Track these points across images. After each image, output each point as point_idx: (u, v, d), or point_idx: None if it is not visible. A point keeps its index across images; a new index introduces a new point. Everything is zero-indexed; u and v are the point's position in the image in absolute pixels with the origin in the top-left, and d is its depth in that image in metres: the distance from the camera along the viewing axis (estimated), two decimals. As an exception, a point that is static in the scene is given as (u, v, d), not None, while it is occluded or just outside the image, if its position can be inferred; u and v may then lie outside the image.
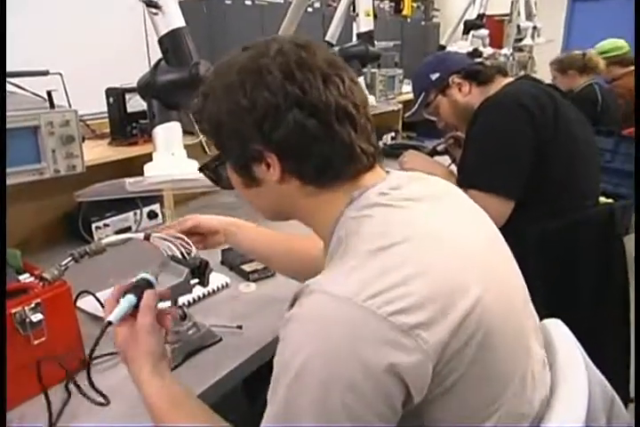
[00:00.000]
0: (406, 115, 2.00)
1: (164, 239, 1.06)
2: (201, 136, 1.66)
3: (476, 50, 3.68)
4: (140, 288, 0.93)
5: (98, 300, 1.27)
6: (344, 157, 0.79)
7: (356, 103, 0.79)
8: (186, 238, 1.09)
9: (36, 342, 1.03)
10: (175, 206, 2.02)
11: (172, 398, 0.84)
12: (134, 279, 0.94)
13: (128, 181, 0.98)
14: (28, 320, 1.01)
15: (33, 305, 1.02)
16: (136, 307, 0.90)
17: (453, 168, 1.90)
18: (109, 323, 0.87)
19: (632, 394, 1.36)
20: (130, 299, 0.91)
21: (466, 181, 1.55)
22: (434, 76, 1.81)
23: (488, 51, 3.96)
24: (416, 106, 1.88)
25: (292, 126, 0.75)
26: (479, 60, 1.88)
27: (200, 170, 0.93)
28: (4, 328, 0.95)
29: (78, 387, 1.08)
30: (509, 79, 1.76)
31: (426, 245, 0.74)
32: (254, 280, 1.53)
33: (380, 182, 0.82)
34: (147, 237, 1.04)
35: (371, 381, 0.65)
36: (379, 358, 0.65)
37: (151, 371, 0.86)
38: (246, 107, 0.76)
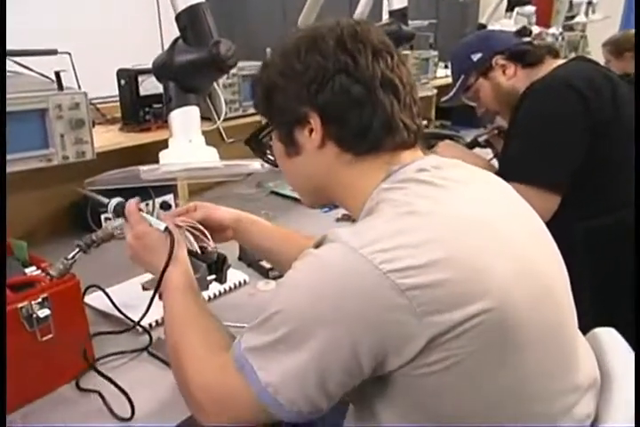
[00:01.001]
0: (442, 99, 1.99)
1: (179, 226, 1.09)
2: (218, 122, 1.68)
3: (524, 28, 3.60)
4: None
5: (108, 296, 1.30)
6: (384, 126, 0.87)
7: (402, 79, 0.88)
8: (205, 230, 1.10)
9: (43, 340, 1.06)
10: (190, 197, 2.05)
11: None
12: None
13: (142, 168, 1.00)
14: (34, 316, 1.04)
15: (40, 300, 1.04)
16: None
17: (495, 163, 1.88)
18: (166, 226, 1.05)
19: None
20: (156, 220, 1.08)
21: (507, 173, 1.48)
22: (475, 57, 1.79)
23: (534, 30, 3.90)
24: (454, 90, 1.87)
25: (337, 90, 0.85)
26: (527, 39, 1.84)
27: (246, 142, 1.03)
28: (3, 327, 0.97)
29: (80, 388, 1.10)
30: (560, 61, 1.73)
31: (459, 226, 0.77)
32: (274, 278, 1.54)
33: (418, 160, 0.89)
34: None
35: (343, 324, 0.71)
36: (362, 307, 0.71)
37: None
38: (299, 70, 0.87)
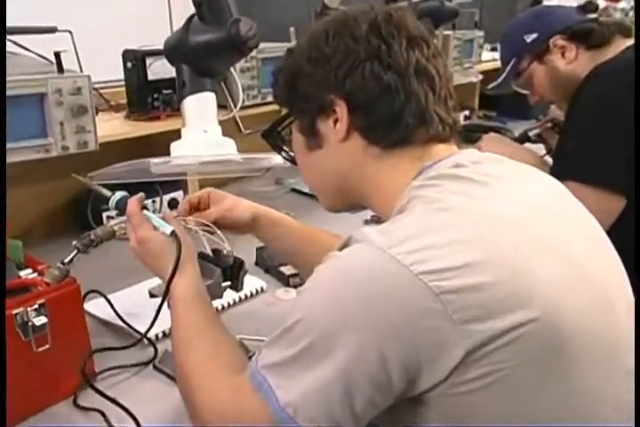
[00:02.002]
0: (489, 87, 1.97)
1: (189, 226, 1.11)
2: (235, 110, 1.69)
3: (589, 2, 3.52)
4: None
5: (110, 303, 1.31)
6: (416, 117, 0.88)
7: (438, 70, 0.90)
8: (219, 231, 1.12)
9: (39, 350, 1.07)
10: (201, 194, 2.06)
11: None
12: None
13: (153, 161, 1.01)
14: (30, 324, 1.05)
15: (36, 306, 1.06)
16: None
17: (549, 160, 1.85)
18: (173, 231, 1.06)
19: None
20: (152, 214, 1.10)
21: (561, 171, 1.46)
22: (530, 38, 1.76)
23: (600, 4, 3.82)
24: (503, 75, 1.85)
25: (367, 76, 0.87)
26: (592, 16, 1.77)
27: (263, 135, 1.04)
28: (3, 330, 0.99)
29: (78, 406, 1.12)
30: (631, 41, 1.67)
31: (498, 225, 0.78)
32: (295, 285, 1.55)
33: (454, 155, 0.90)
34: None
35: (370, 331, 0.72)
36: (391, 313, 0.71)
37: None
38: (327, 53, 0.89)
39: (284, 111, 1.01)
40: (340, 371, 0.74)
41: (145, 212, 1.10)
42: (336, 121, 0.90)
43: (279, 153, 1.07)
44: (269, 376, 0.79)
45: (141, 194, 1.13)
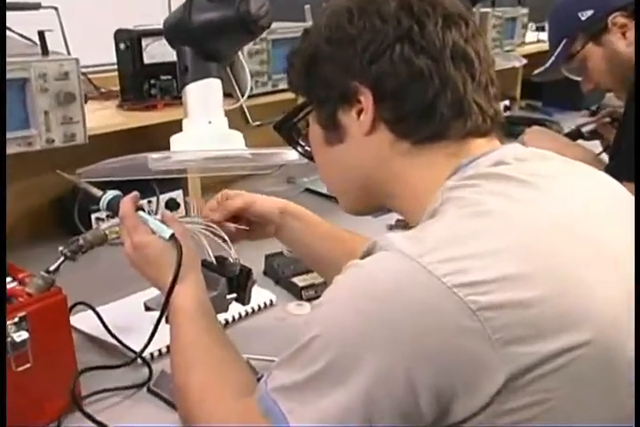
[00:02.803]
0: (535, 72, 1.96)
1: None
2: (242, 99, 1.70)
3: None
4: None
5: (99, 317, 1.32)
6: (452, 107, 0.87)
7: (478, 53, 0.89)
8: (225, 236, 1.12)
9: (18, 370, 1.07)
10: (203, 194, 2.07)
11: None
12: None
13: (152, 156, 1.01)
14: (9, 340, 1.05)
15: (16, 320, 1.06)
16: None
17: (605, 158, 1.84)
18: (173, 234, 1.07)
19: None
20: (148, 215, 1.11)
21: (619, 170, 1.39)
22: (584, 15, 1.75)
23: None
24: (552, 58, 1.84)
25: (396, 60, 0.86)
26: None
27: (276, 127, 1.04)
28: (3, 331, 1.00)
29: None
30: None
31: (546, 231, 0.78)
32: (309, 299, 1.55)
33: (495, 151, 0.89)
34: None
35: (397, 350, 0.71)
36: (420, 329, 0.71)
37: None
38: (351, 34, 0.88)
39: (300, 100, 1.00)
40: (360, 396, 0.73)
41: (140, 213, 1.11)
42: (360, 112, 0.90)
43: (294, 148, 1.07)
44: (280, 400, 0.79)
45: (135, 193, 1.13)
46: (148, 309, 1.18)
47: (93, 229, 1.19)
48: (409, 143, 0.90)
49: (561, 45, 1.81)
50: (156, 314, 1.08)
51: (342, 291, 0.78)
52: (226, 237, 1.15)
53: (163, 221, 1.10)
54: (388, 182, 0.94)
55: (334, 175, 1.01)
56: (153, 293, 1.17)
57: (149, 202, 1.95)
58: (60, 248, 1.16)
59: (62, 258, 1.15)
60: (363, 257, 0.80)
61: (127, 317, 1.36)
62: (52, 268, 1.14)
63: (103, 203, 1.16)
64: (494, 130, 0.93)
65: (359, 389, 0.73)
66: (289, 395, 0.78)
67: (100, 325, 1.33)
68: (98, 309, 1.34)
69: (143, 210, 1.13)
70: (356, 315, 0.74)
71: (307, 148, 1.05)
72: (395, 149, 0.90)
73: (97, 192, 1.17)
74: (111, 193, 1.15)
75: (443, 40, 0.86)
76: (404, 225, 1.94)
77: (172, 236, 1.06)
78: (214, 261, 1.15)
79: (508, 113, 3.28)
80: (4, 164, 1.18)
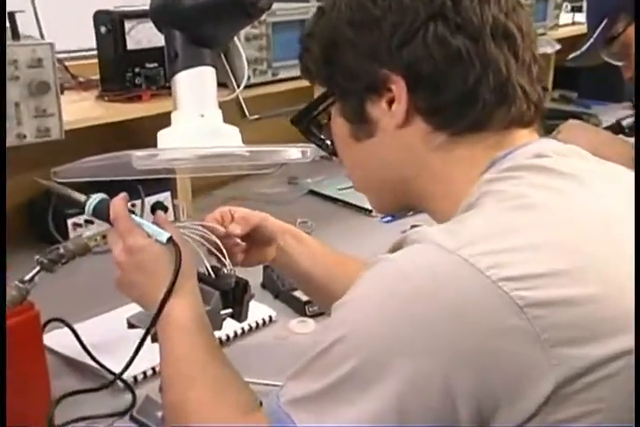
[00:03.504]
0: (570, 57, 1.95)
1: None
2: (238, 90, 1.70)
3: None
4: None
5: (76, 335, 1.32)
6: (496, 92, 0.87)
7: (520, 27, 0.89)
8: (220, 243, 1.11)
9: (-16, 396, 1.07)
10: (194, 197, 2.07)
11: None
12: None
13: (137, 154, 1.01)
14: (-27, 362, 1.05)
15: (-17, 338, 1.06)
16: None
17: None
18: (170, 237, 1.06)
19: None
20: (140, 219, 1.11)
21: None
22: None
23: None
24: (590, 41, 1.83)
25: (429, 41, 0.85)
26: None
27: (294, 121, 1.04)
28: (3, 332, 1.00)
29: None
30: None
31: (596, 225, 0.78)
32: (313, 315, 1.55)
33: (533, 143, 0.90)
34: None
35: (433, 353, 0.71)
36: (460, 328, 0.70)
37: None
38: (375, 15, 0.87)
39: (317, 89, 1.00)
40: (390, 405, 0.72)
41: (133, 216, 1.10)
42: (391, 102, 0.89)
43: (316, 143, 1.07)
44: (295, 413, 0.78)
45: (124, 194, 1.12)
46: (131, 326, 1.17)
47: (75, 238, 1.18)
48: (445, 135, 0.90)
49: (600, 27, 1.80)
50: (141, 332, 1.07)
51: (370, 288, 0.78)
52: (220, 245, 1.14)
53: (158, 224, 1.09)
54: (420, 179, 0.94)
55: (363, 173, 1.01)
56: (137, 308, 1.17)
57: (133, 205, 1.93)
58: (37, 257, 1.14)
59: (38, 267, 1.14)
60: (392, 251, 0.80)
61: (108, 335, 1.36)
62: (26, 277, 1.13)
63: (89, 208, 1.13)
64: (537, 120, 0.93)
65: (389, 398, 0.72)
66: (305, 406, 0.78)
67: (78, 344, 1.32)
68: (75, 326, 1.34)
69: (134, 213, 1.12)
70: (386, 314, 0.74)
71: (328, 142, 1.04)
72: (428, 141, 0.90)
73: (79, 197, 1.16)
74: (96, 197, 1.14)
75: (481, 16, 0.86)
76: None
77: (170, 239, 1.05)
78: (208, 272, 1.14)
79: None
80: (4, 162, 1.18)
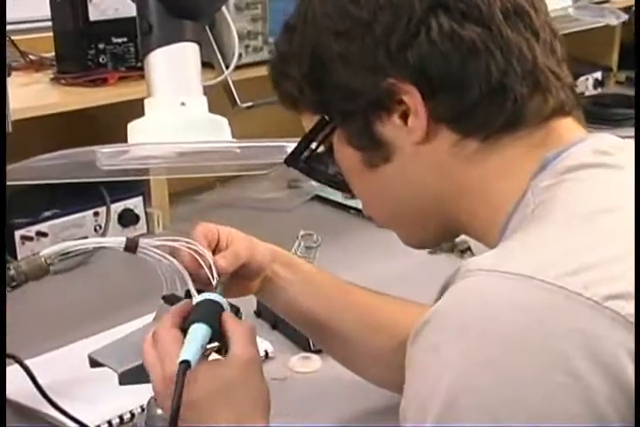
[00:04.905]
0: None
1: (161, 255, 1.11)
2: (226, 72, 1.71)
3: None
4: (211, 314, 1.03)
5: (30, 373, 1.32)
6: (526, 80, 0.89)
7: (532, 2, 0.91)
8: (209, 257, 1.11)
9: None
10: (172, 203, 2.08)
11: None
12: (195, 301, 1.06)
13: (101, 151, 1.02)
14: None
15: None
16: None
17: None
18: (186, 364, 0.95)
19: None
20: (203, 330, 1.01)
21: None
22: None
23: None
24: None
25: (435, 37, 0.87)
26: None
27: (288, 162, 1.05)
28: (3, 330, 1.03)
29: None
30: None
31: None
32: (318, 351, 1.55)
33: (590, 138, 0.92)
34: (131, 247, 1.09)
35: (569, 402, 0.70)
36: (588, 369, 0.69)
37: None
38: (363, 18, 0.89)
39: (307, 118, 1.01)
40: None
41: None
42: (405, 116, 0.91)
43: (327, 184, 1.09)
44: None
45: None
46: (94, 364, 1.18)
47: (30, 257, 1.18)
48: (477, 142, 0.91)
49: None
50: (107, 372, 1.08)
51: (444, 341, 0.76)
52: (211, 261, 1.14)
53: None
54: (457, 199, 0.95)
55: (386, 205, 1.03)
56: (100, 341, 1.17)
57: (96, 214, 1.95)
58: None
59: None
60: (442, 291, 0.80)
61: (64, 375, 1.37)
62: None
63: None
64: (577, 107, 0.95)
65: None
66: None
67: (32, 385, 1.32)
68: (27, 362, 1.33)
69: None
70: (489, 369, 0.73)
71: (339, 175, 1.05)
72: (458, 153, 0.92)
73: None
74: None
75: None
76: (449, 248, 1.94)
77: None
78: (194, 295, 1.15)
79: (600, 90, 3.29)
80: (4, 159, 1.19)
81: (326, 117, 0.97)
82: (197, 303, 1.05)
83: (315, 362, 1.52)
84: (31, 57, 2.00)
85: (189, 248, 1.11)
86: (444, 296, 0.78)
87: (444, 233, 1.03)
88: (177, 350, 0.97)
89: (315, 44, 0.93)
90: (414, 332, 0.78)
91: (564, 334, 0.71)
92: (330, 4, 0.92)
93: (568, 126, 0.93)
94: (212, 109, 1.24)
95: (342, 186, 1.05)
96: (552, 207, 0.83)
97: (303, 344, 1.58)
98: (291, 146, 1.15)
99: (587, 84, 3.26)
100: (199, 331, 1.01)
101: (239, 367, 1.00)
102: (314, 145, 1.02)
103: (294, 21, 0.97)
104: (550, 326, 0.71)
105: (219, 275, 1.11)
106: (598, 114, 2.61)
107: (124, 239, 1.09)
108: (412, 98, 0.89)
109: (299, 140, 1.08)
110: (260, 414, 1.01)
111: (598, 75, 3.32)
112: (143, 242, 1.10)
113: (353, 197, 1.06)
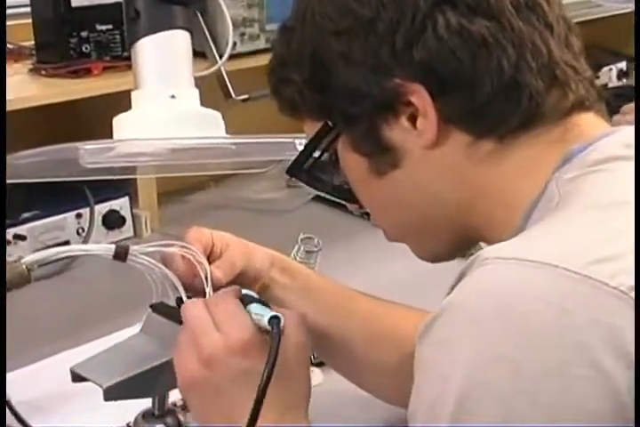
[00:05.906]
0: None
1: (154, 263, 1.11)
2: (220, 61, 1.71)
3: None
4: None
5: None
6: (541, 74, 0.89)
7: None
8: (205, 264, 1.11)
9: None
10: (160, 205, 2.09)
11: None
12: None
13: (84, 147, 1.02)
14: None
15: None
16: None
17: None
18: (278, 320, 0.97)
19: None
20: (263, 307, 1.03)
21: None
22: None
23: None
24: None
25: (443, 33, 0.88)
26: None
27: (291, 173, 1.06)
28: (3, 329, 1.04)
29: None
30: None
31: None
32: (319, 364, 1.56)
33: (615, 133, 0.92)
34: (120, 254, 1.08)
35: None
36: (611, 361, 0.69)
37: None
38: (365, 16, 0.91)
39: (309, 124, 1.02)
40: None
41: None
42: (413, 117, 0.91)
43: (332, 195, 1.11)
44: None
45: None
46: (77, 378, 1.17)
47: (12, 263, 1.18)
48: (493, 142, 0.92)
49: None
50: (91, 386, 1.08)
51: (458, 333, 0.76)
52: (208, 272, 1.14)
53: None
54: (472, 204, 0.96)
55: (397, 214, 1.03)
56: (84, 353, 1.17)
57: (79, 216, 1.96)
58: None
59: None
60: (457, 280, 0.80)
61: (44, 391, 1.37)
62: None
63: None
64: (598, 101, 0.95)
65: None
66: None
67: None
68: (11, 375, 1.34)
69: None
70: (501, 364, 0.73)
71: (346, 185, 1.05)
72: (472, 155, 0.93)
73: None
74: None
75: None
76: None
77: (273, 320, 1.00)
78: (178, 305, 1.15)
79: (623, 82, 3.31)
80: (4, 158, 1.19)
81: (330, 123, 0.98)
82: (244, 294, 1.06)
83: (316, 376, 1.52)
84: (9, 46, 1.98)
85: (185, 256, 1.11)
86: (457, 287, 0.79)
87: (458, 242, 1.03)
88: (242, 313, 0.99)
89: (315, 45, 0.95)
90: (424, 327, 0.78)
91: (587, 325, 0.71)
92: (329, 3, 0.93)
93: (590, 121, 0.93)
94: (204, 102, 1.24)
95: (348, 196, 1.06)
96: (577, 197, 0.84)
97: (304, 358, 1.58)
98: (289, 141, 1.16)
99: (610, 75, 3.28)
100: (259, 307, 1.02)
101: (294, 350, 1.00)
102: (317, 153, 1.02)
103: (292, 22, 0.99)
104: (573, 318, 0.71)
105: (214, 288, 1.10)
106: (618, 107, 2.61)
107: (112, 247, 1.09)
108: (420, 98, 0.90)
109: (297, 135, 1.09)
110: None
111: (623, 65, 3.33)
112: (134, 249, 1.09)
113: (361, 207, 1.06)
